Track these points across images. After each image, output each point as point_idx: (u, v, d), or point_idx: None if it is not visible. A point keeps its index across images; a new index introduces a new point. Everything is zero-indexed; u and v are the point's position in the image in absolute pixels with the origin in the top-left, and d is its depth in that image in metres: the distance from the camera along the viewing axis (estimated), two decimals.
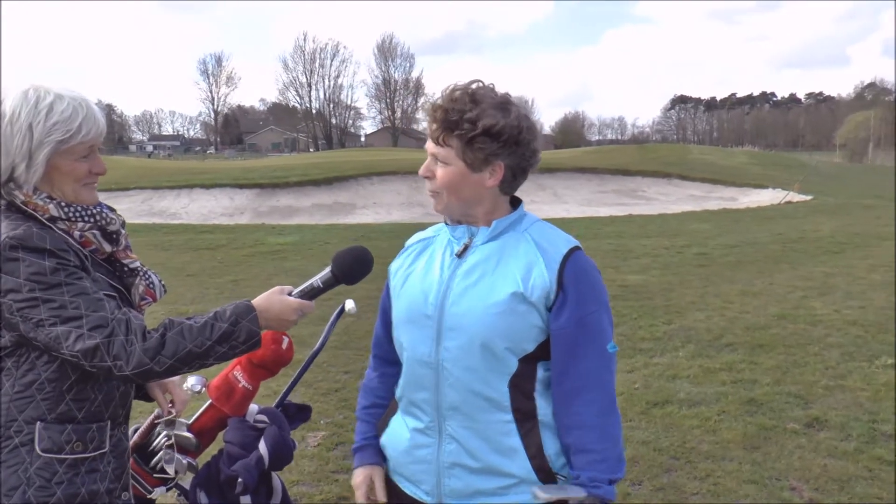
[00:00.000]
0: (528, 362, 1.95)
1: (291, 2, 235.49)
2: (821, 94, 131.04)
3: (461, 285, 1.96)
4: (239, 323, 1.85)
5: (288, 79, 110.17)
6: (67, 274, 1.77)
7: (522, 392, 1.95)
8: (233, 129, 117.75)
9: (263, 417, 2.43)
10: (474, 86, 1.93)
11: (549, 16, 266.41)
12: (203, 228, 19.05)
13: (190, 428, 2.32)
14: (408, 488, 2.11)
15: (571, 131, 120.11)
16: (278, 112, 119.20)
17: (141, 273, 2.02)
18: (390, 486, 2.17)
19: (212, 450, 2.44)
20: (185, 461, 2.27)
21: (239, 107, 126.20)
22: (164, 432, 2.28)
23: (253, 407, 2.44)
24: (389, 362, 2.25)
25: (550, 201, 28.12)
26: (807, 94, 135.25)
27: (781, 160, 39.89)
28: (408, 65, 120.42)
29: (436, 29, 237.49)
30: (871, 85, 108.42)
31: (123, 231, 2.03)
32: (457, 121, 1.89)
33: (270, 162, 46.33)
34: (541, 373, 1.97)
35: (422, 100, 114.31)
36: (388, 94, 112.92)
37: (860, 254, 13.08)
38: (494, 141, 1.89)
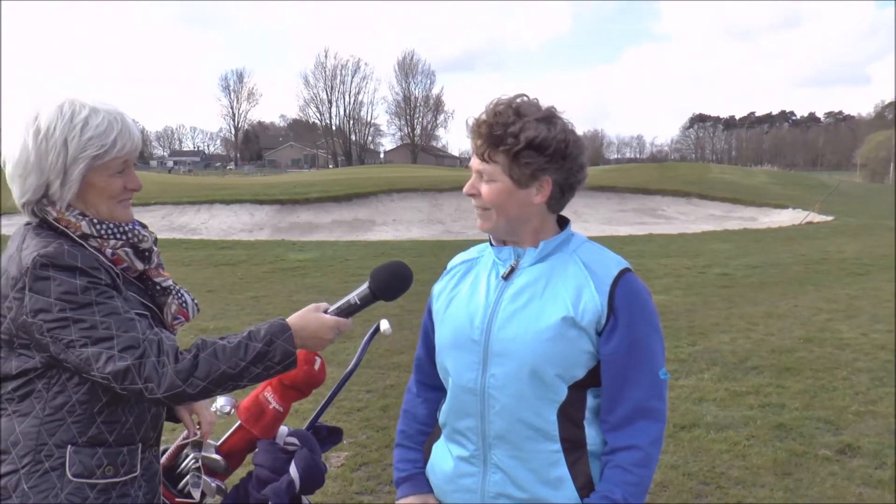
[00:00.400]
0: (579, 389, 1.89)
1: (313, 18, 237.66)
2: (840, 113, 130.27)
3: (508, 309, 1.91)
4: (274, 342, 1.81)
5: (308, 95, 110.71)
6: (98, 293, 1.74)
7: (572, 420, 1.90)
8: (253, 145, 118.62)
9: (294, 440, 2.39)
10: (518, 100, 1.90)
11: (568, 33, 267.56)
12: (223, 244, 19.11)
13: (218, 450, 2.29)
14: None
15: (590, 149, 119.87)
16: (298, 128, 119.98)
17: (174, 292, 1.99)
18: None
19: (240, 472, 2.40)
20: (213, 484, 2.24)
21: (259, 123, 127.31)
22: (192, 454, 2.25)
23: (283, 429, 2.40)
24: (432, 387, 2.21)
25: (571, 219, 27.74)
26: (826, 113, 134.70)
27: (801, 180, 39.58)
28: (428, 82, 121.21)
29: (456, 46, 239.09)
30: (892, 104, 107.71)
31: (156, 248, 1.99)
32: (501, 135, 1.85)
33: (290, 178, 46.55)
34: (590, 400, 1.92)
35: (441, 117, 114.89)
36: (407, 111, 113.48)
37: (885, 276, 12.89)
38: (540, 155, 1.85)
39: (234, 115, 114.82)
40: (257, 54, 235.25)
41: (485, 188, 1.90)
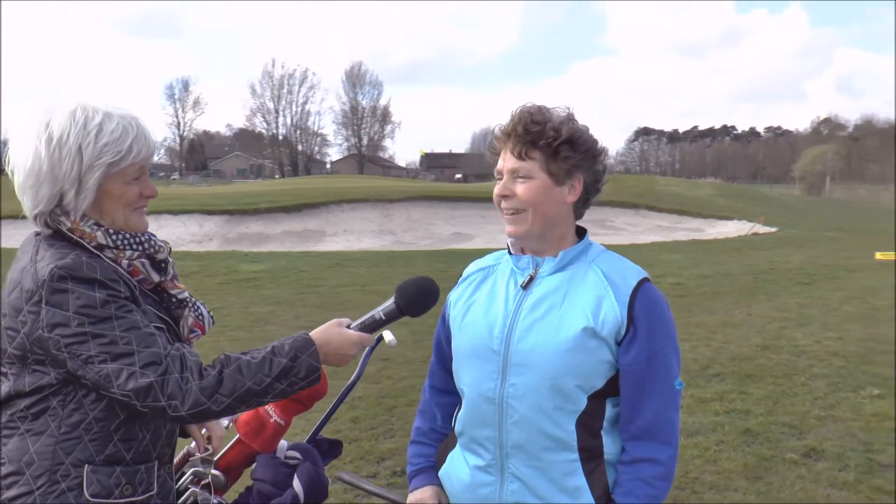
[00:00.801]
0: (598, 399, 1.90)
1: (261, 27, 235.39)
2: (779, 128, 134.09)
3: (528, 319, 1.90)
4: (298, 358, 1.76)
5: (255, 104, 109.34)
6: (118, 307, 1.67)
7: (590, 430, 1.90)
8: (198, 154, 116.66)
9: (295, 454, 2.34)
10: (538, 104, 1.93)
11: (517, 46, 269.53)
12: (173, 255, 18.72)
13: (216, 465, 2.24)
14: None
15: None
16: (244, 138, 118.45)
17: (190, 304, 1.92)
18: None
19: (238, 487, 2.35)
20: (214, 500, 2.18)
21: (205, 132, 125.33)
22: (190, 471, 2.19)
23: (282, 443, 2.36)
24: (445, 392, 2.21)
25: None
26: (766, 128, 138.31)
27: (744, 192, 40.61)
28: (376, 92, 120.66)
29: (404, 57, 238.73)
30: (827, 120, 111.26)
31: (171, 259, 1.93)
32: (540, 130, 1.86)
33: (238, 188, 45.98)
34: (609, 410, 1.92)
35: (388, 127, 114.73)
36: (355, 122, 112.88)
37: (831, 285, 13.30)
38: (576, 151, 1.88)
39: (178, 124, 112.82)
40: (204, 63, 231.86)
41: (521, 187, 1.90)
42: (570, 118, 1.90)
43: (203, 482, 2.15)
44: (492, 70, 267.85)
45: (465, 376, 2.02)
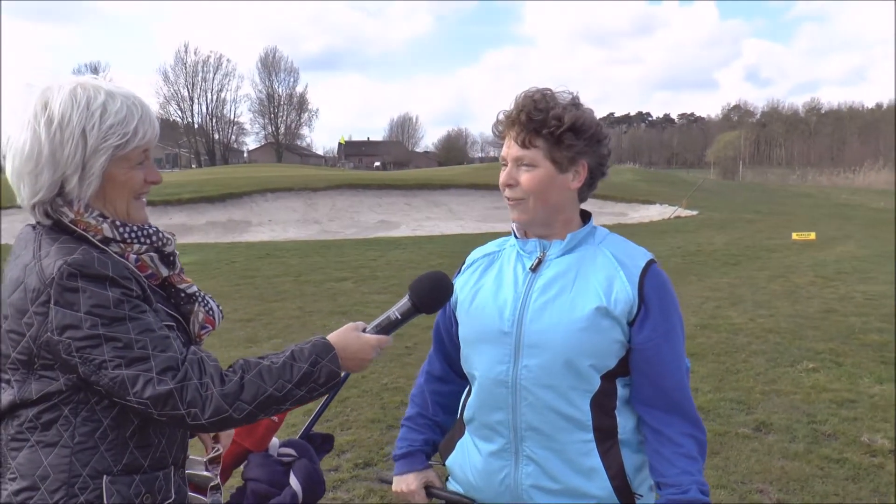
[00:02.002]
0: (610, 379, 1.90)
1: (172, 11, 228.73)
2: (692, 114, 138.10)
3: (540, 300, 1.89)
4: (319, 363, 1.67)
5: (169, 92, 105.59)
6: (132, 307, 1.55)
7: (604, 410, 1.91)
8: None
9: (289, 450, 2.27)
10: (544, 89, 1.91)
11: (431, 33, 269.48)
12: None
13: (207, 465, 2.15)
14: None
15: (454, 148, 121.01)
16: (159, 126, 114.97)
17: (199, 299, 1.80)
18: None
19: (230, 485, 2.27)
20: (209, 501, 2.10)
21: None
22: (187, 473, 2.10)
23: (273, 440, 2.29)
24: (439, 379, 2.21)
25: (447, 218, 28.30)
26: (679, 115, 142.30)
27: (664, 177, 41.69)
28: (292, 80, 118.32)
29: (319, 44, 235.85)
30: (737, 107, 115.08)
31: (177, 252, 1.80)
32: (543, 119, 1.84)
33: None
34: (620, 390, 1.93)
35: (305, 115, 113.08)
36: (271, 110, 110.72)
37: (755, 265, 13.78)
38: (580, 138, 1.86)
39: None
40: (113, 49, 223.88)
41: (525, 176, 1.88)
42: (573, 104, 1.89)
43: (212, 484, 2.06)
44: (406, 57, 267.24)
45: (476, 361, 1.99)
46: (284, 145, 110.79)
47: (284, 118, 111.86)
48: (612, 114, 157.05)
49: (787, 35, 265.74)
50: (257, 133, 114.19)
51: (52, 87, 1.62)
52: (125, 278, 1.57)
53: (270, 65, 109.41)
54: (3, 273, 1.66)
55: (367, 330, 1.82)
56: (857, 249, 16.21)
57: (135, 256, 1.67)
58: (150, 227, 1.72)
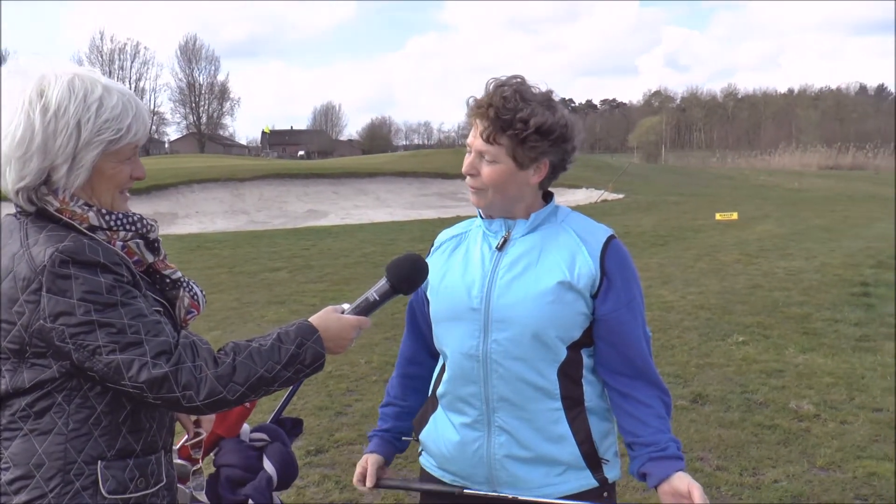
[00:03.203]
0: (575, 349, 1.99)
1: None
2: (614, 100, 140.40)
3: (507, 277, 1.97)
4: (304, 344, 1.70)
5: None
6: (124, 292, 1.56)
7: (571, 379, 2.00)
8: None
9: (262, 435, 2.30)
10: (516, 82, 1.95)
11: (354, 20, 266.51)
12: None
13: (179, 454, 2.16)
14: (457, 482, 2.10)
15: (378, 136, 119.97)
16: None
17: (184, 284, 1.81)
18: (435, 481, 2.15)
19: None
20: (187, 490, 2.12)
21: None
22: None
23: (244, 426, 2.31)
24: (412, 362, 2.28)
25: (374, 206, 28.23)
26: (601, 101, 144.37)
27: (589, 162, 42.29)
28: (213, 68, 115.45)
29: (239, 31, 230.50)
30: (657, 93, 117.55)
31: (160, 238, 1.82)
32: (509, 120, 1.89)
33: None
34: (586, 359, 2.02)
35: (227, 104, 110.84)
36: (192, 99, 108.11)
37: (682, 245, 14.21)
38: (545, 139, 1.92)
39: None
40: (22, 34, 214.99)
41: (486, 169, 1.95)
42: (543, 103, 1.93)
43: (194, 469, 2.07)
44: (328, 44, 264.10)
45: (447, 338, 2.06)
46: (207, 135, 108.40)
47: (206, 107, 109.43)
48: None
49: (703, 23, 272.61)
50: (178, 123, 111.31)
51: (49, 75, 1.61)
52: (116, 264, 1.58)
53: (190, 53, 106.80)
54: None
55: (347, 311, 1.85)
56: (776, 228, 16.87)
57: (121, 243, 1.68)
58: (135, 214, 1.73)
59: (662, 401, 2.01)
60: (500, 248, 2.01)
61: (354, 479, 2.24)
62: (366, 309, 1.88)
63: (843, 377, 6.08)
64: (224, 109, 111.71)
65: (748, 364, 6.46)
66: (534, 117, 1.89)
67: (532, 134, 1.89)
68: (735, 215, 18.25)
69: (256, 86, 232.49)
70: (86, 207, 1.63)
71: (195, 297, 1.83)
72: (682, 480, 1.89)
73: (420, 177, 34.39)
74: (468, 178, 1.99)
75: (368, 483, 2.19)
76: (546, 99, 1.95)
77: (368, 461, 2.22)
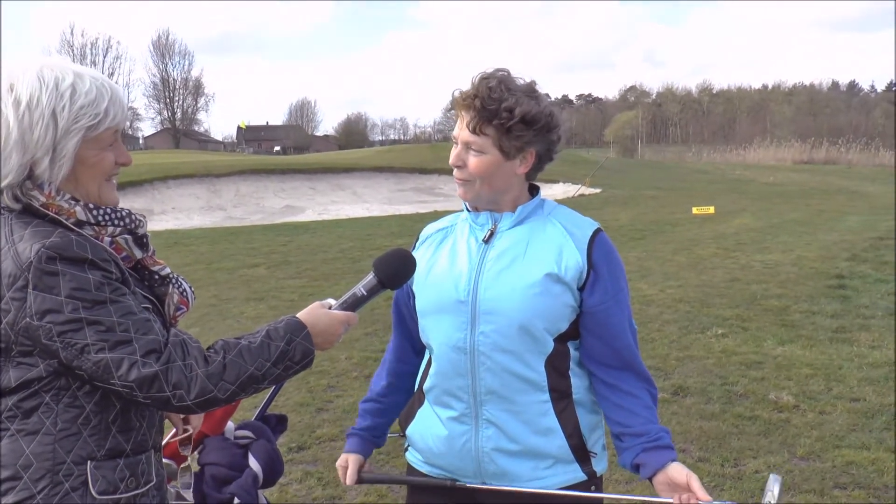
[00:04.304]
0: (562, 341, 1.99)
1: None
2: (590, 95, 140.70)
3: (493, 269, 1.97)
4: (293, 341, 1.69)
5: None
6: (112, 290, 1.54)
7: (558, 371, 1.99)
8: None
9: (246, 433, 2.28)
10: (500, 74, 1.96)
11: (330, 17, 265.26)
12: None
13: (179, 445, 2.13)
14: (445, 476, 2.09)
15: (355, 132, 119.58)
16: None
17: (173, 281, 1.78)
18: (422, 476, 2.14)
19: None
20: (172, 489, 2.09)
21: None
22: None
23: (228, 424, 2.29)
24: (398, 359, 2.27)
25: (351, 201, 28.15)
26: (577, 96, 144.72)
27: (565, 156, 42.42)
28: (187, 63, 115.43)
29: (214, 26, 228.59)
30: (633, 88, 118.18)
31: (149, 234, 1.79)
32: (495, 110, 1.90)
33: None
34: (573, 351, 2.03)
35: (202, 100, 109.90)
36: (166, 94, 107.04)
37: (660, 239, 14.28)
38: (530, 129, 1.93)
39: None
40: None
41: (473, 160, 1.95)
42: (527, 93, 1.94)
43: (182, 465, 2.04)
44: (304, 39, 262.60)
45: (434, 330, 2.05)
46: (182, 131, 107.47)
47: (181, 103, 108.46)
48: None
49: (681, 19, 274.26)
50: (153, 118, 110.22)
51: (16, 68, 1.58)
52: (104, 261, 1.56)
53: (163, 47, 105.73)
54: None
55: (334, 307, 1.83)
56: (752, 221, 17.01)
57: (109, 239, 1.64)
58: (123, 209, 1.70)
59: (649, 392, 2.01)
60: (487, 240, 2.01)
61: (341, 478, 2.24)
62: (353, 304, 1.86)
63: (821, 368, 6.15)
64: (199, 105, 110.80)
65: (728, 356, 6.51)
66: (519, 106, 1.90)
67: (517, 123, 1.90)
68: (712, 209, 18.37)
69: (231, 81, 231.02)
70: (72, 202, 1.61)
71: (184, 293, 1.80)
72: (678, 471, 1.90)
73: (397, 172, 34.32)
74: (455, 170, 1.99)
75: (348, 481, 2.19)
76: (530, 90, 1.96)
77: (349, 460, 2.22)
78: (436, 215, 20.87)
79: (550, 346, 1.97)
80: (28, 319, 1.49)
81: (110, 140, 1.66)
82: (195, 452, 2.18)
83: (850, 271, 10.34)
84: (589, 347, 2.01)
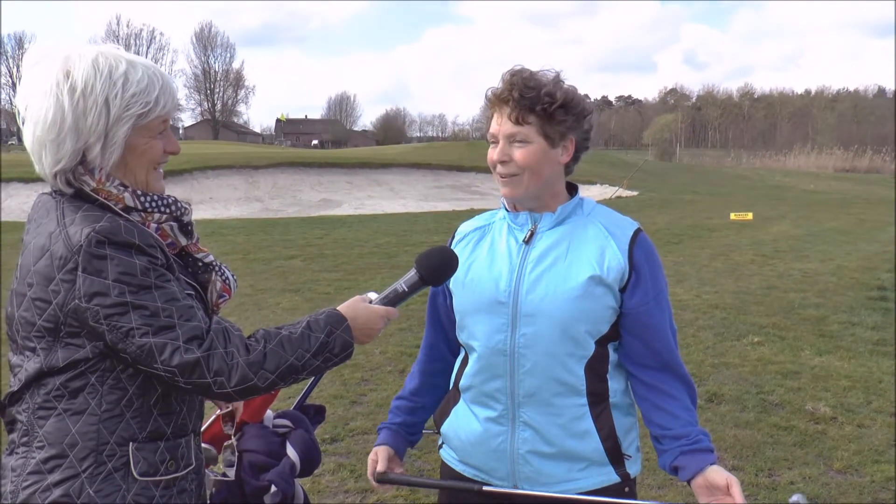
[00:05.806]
0: (603, 344, 1.99)
1: None
2: (630, 97, 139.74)
3: (536, 271, 1.96)
4: (334, 333, 1.70)
5: None
6: (158, 275, 1.57)
7: (597, 375, 1.99)
8: None
9: (285, 421, 2.30)
10: (527, 69, 1.97)
11: (371, 11, 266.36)
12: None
13: (203, 438, 2.17)
14: (478, 477, 2.09)
15: (392, 128, 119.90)
16: None
17: (216, 268, 1.80)
18: (456, 475, 2.15)
19: None
20: (212, 476, 2.12)
21: None
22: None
23: (268, 412, 2.31)
24: (432, 357, 2.27)
25: (388, 196, 28.24)
26: (617, 97, 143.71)
27: (603, 158, 42.22)
28: (228, 55, 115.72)
29: (255, 18, 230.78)
30: (673, 91, 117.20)
31: (193, 221, 1.81)
32: (536, 96, 1.90)
33: None
34: (611, 354, 2.02)
35: (242, 92, 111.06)
36: (207, 86, 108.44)
37: (697, 244, 14.15)
38: (570, 113, 1.93)
39: (14, 84, 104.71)
40: (40, 18, 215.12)
41: (519, 152, 1.94)
42: (558, 81, 1.95)
43: (226, 444, 2.08)
44: (345, 33, 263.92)
45: (473, 331, 2.05)
46: (221, 122, 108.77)
47: (221, 95, 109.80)
48: None
49: (724, 20, 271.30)
50: (193, 109, 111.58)
51: (73, 55, 1.62)
52: (151, 246, 1.59)
53: (206, 39, 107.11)
54: (24, 241, 1.65)
55: (374, 302, 1.85)
56: (791, 229, 16.78)
57: (155, 225, 1.67)
58: (169, 196, 1.73)
59: (689, 393, 2.01)
60: (528, 241, 2.00)
61: (368, 473, 2.23)
62: (394, 299, 1.87)
63: (860, 380, 6.05)
64: (239, 97, 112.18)
65: (763, 365, 6.43)
66: (558, 90, 1.91)
67: (559, 108, 1.91)
68: (750, 215, 18.15)
69: (271, 74, 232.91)
70: (121, 188, 1.64)
71: (227, 281, 1.82)
72: (718, 474, 1.88)
73: (434, 169, 34.36)
74: (499, 166, 1.97)
75: (375, 475, 2.18)
76: (558, 80, 1.96)
77: (379, 453, 2.20)
78: (472, 213, 20.82)
79: (591, 349, 1.96)
80: (76, 301, 1.53)
81: (160, 128, 1.69)
82: (234, 438, 2.22)
83: (892, 283, 10.14)
84: (629, 348, 2.01)
